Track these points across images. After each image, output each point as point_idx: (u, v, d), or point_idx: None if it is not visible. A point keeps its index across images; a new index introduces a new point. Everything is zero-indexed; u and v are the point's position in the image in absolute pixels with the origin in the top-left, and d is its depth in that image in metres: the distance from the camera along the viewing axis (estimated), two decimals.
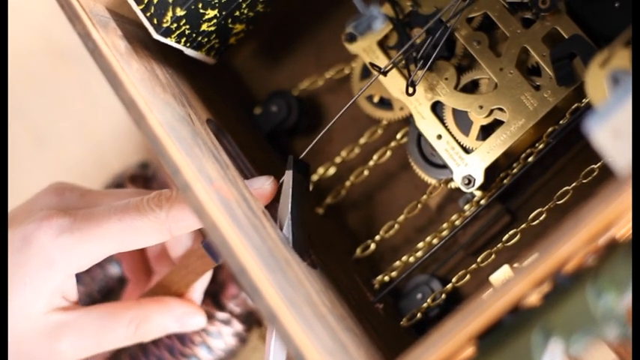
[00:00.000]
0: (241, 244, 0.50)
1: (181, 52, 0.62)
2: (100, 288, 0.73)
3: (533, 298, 0.49)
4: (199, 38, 0.61)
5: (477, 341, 0.49)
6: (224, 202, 0.52)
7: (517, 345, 0.47)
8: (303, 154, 0.61)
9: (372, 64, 0.62)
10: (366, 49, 0.65)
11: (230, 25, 0.62)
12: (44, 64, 0.82)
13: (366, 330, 0.58)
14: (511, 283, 0.48)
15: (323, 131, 0.62)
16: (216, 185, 0.53)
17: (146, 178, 0.70)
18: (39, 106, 0.81)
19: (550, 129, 0.62)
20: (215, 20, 0.60)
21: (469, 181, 0.61)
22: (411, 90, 0.61)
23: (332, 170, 0.68)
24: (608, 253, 0.48)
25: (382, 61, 0.64)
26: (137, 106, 0.52)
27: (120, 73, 0.53)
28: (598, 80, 0.51)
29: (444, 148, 0.62)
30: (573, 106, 0.61)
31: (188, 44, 0.61)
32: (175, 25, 0.59)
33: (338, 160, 0.67)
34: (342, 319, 0.55)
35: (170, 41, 0.59)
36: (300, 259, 0.57)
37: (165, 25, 0.58)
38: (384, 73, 0.61)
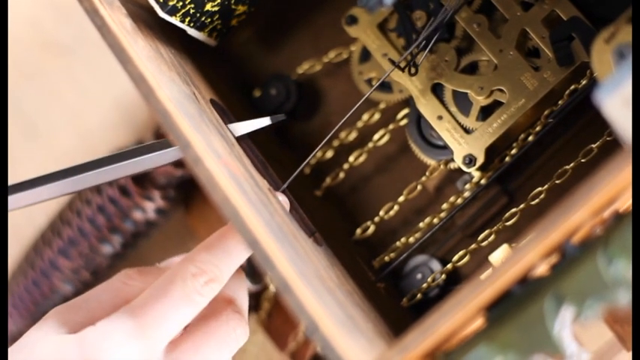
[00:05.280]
0: (253, 217, 0.50)
1: (183, 34, 0.62)
2: (88, 264, 0.73)
3: (542, 269, 0.50)
4: (203, 18, 0.61)
5: (485, 312, 0.50)
6: (233, 177, 0.53)
7: (529, 313, 0.48)
8: (309, 159, 0.62)
9: (390, 59, 0.62)
10: (366, 32, 0.65)
11: (233, 6, 0.62)
12: (34, 55, 0.82)
13: (372, 307, 0.58)
14: (521, 253, 0.48)
15: (328, 136, 0.62)
16: (225, 160, 0.54)
17: None
18: (29, 97, 0.81)
19: (547, 111, 0.63)
20: (219, 0, 0.60)
21: (470, 160, 0.62)
22: (413, 70, 0.62)
23: (330, 153, 0.68)
24: (618, 223, 0.48)
25: (381, 44, 0.65)
26: (146, 81, 0.52)
27: (128, 49, 0.53)
28: (604, 55, 0.52)
29: (445, 128, 0.63)
30: (571, 87, 0.62)
31: (192, 24, 0.61)
32: (181, 3, 0.59)
33: (336, 143, 0.68)
34: (350, 295, 0.56)
35: (175, 20, 0.60)
36: (306, 236, 0.57)
37: (171, 4, 0.58)
38: (401, 68, 0.62)
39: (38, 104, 0.81)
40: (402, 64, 0.63)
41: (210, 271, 0.53)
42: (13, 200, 0.56)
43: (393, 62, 0.62)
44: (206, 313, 0.55)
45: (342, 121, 0.62)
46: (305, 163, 0.62)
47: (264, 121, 0.61)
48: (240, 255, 0.55)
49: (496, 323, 0.49)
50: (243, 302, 0.57)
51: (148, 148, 0.57)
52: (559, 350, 0.47)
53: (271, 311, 0.70)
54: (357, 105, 0.62)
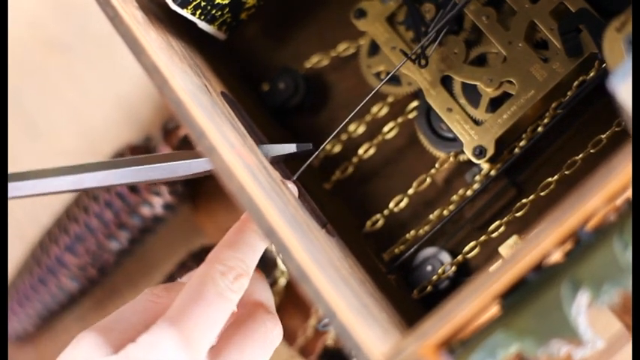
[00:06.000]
0: (268, 206, 0.50)
1: (193, 27, 0.63)
2: (95, 261, 0.72)
3: (556, 256, 0.50)
4: (213, 11, 0.61)
5: (500, 300, 0.50)
6: (247, 167, 0.53)
7: (546, 299, 0.48)
8: (318, 151, 0.62)
9: (402, 50, 0.63)
10: (374, 25, 0.65)
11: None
12: (35, 53, 0.82)
13: (384, 298, 0.58)
14: (536, 241, 0.48)
15: (337, 130, 0.63)
16: (238, 151, 0.54)
17: (147, 150, 0.71)
18: (30, 96, 0.81)
19: (554, 103, 0.63)
20: None
21: (480, 151, 0.62)
22: (423, 62, 0.62)
23: (338, 147, 0.68)
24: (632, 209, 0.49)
25: (390, 37, 0.65)
26: (160, 71, 0.52)
27: (141, 39, 0.53)
28: (615, 44, 0.53)
29: (455, 120, 0.63)
30: (579, 79, 0.62)
31: (202, 17, 0.61)
32: None
33: (344, 136, 0.68)
34: (363, 285, 0.56)
35: (186, 13, 0.60)
36: (319, 227, 0.58)
37: None
38: (412, 60, 0.62)
39: (39, 103, 0.81)
40: (412, 56, 0.63)
41: (238, 266, 0.54)
42: (27, 187, 0.56)
43: (405, 54, 0.62)
44: (241, 317, 0.56)
45: (352, 113, 0.63)
46: (314, 155, 0.62)
47: (291, 148, 0.61)
48: (261, 246, 0.55)
49: (512, 310, 0.49)
50: (272, 303, 0.58)
51: (171, 156, 0.57)
52: (577, 335, 0.47)
53: (280, 306, 0.70)
54: (367, 98, 0.62)
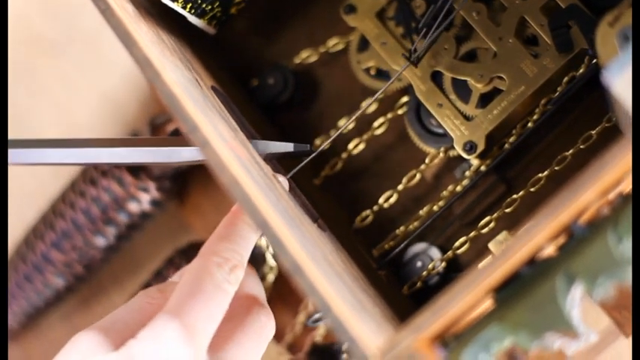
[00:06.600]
0: (261, 199, 0.50)
1: (183, 22, 0.62)
2: (81, 258, 0.72)
3: (549, 250, 0.50)
4: (203, 5, 0.61)
5: (494, 294, 0.50)
6: (240, 160, 0.52)
7: (540, 292, 0.48)
8: (314, 155, 0.62)
9: (404, 54, 0.63)
10: (364, 21, 0.65)
11: None
12: (22, 51, 0.81)
13: (376, 293, 0.58)
14: (530, 235, 0.48)
15: (335, 135, 0.63)
16: (230, 144, 0.54)
17: None
18: (17, 94, 0.81)
19: (544, 99, 0.63)
20: None
21: (470, 147, 0.62)
22: (415, 59, 0.62)
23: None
24: (627, 203, 0.49)
25: (380, 32, 0.65)
26: (152, 64, 0.52)
27: (133, 32, 0.53)
28: (608, 38, 0.53)
29: (445, 115, 0.63)
30: (569, 75, 0.62)
31: (192, 11, 0.61)
32: None
33: (333, 132, 0.68)
34: (356, 280, 0.56)
35: (176, 6, 0.60)
36: (311, 221, 0.57)
37: None
38: (415, 64, 0.62)
39: (26, 101, 0.81)
40: (407, 56, 0.63)
41: (233, 257, 0.53)
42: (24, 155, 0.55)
43: (407, 58, 0.62)
44: (235, 311, 0.55)
45: (351, 120, 0.63)
46: (311, 157, 0.61)
47: (288, 147, 0.61)
48: (253, 238, 0.54)
49: (506, 304, 0.49)
50: (264, 296, 0.57)
51: (164, 141, 0.56)
52: (571, 328, 0.47)
53: (268, 302, 0.70)
54: (371, 102, 0.63)
